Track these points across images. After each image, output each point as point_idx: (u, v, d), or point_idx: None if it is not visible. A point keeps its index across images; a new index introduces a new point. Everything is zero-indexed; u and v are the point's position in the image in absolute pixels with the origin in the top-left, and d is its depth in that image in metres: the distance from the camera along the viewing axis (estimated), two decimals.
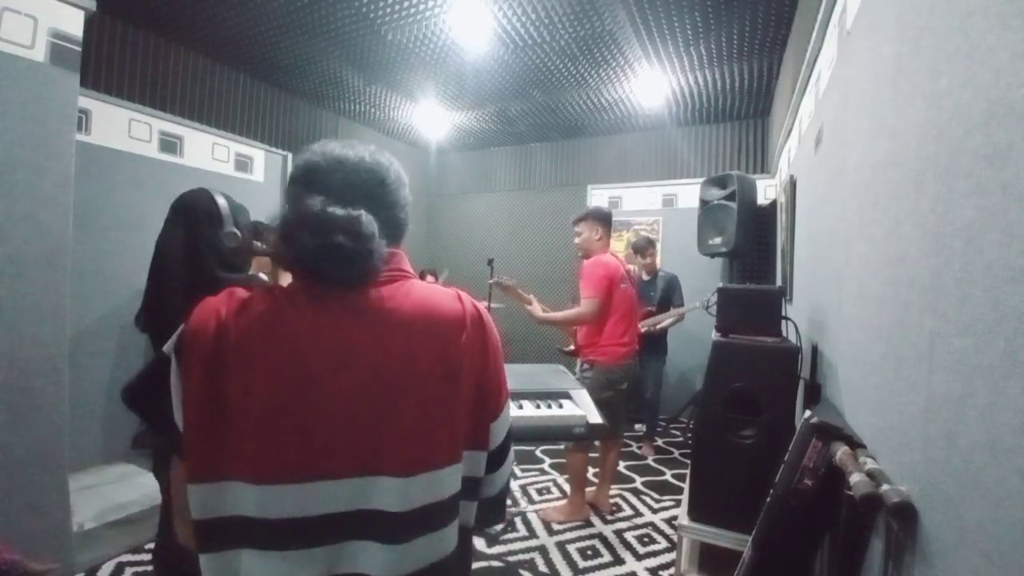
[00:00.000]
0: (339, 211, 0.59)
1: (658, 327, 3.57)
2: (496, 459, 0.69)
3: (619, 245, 4.47)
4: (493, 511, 0.72)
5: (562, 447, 3.67)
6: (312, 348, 0.57)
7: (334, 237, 0.57)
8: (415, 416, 0.59)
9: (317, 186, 0.64)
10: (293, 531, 0.54)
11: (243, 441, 0.54)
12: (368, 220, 0.61)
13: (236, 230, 1.31)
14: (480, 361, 0.66)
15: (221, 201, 1.31)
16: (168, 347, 0.58)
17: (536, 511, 2.58)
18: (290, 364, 0.56)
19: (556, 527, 2.52)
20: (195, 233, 1.26)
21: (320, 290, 0.59)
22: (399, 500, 0.57)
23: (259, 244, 1.59)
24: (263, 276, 2.05)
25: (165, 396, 0.57)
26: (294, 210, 0.61)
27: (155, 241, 1.28)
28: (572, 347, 2.85)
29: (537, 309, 2.53)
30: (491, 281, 2.49)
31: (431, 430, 0.60)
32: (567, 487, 3.02)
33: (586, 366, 2.48)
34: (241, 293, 0.59)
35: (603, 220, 2.60)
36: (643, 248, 3.76)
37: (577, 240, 2.64)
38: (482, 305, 0.71)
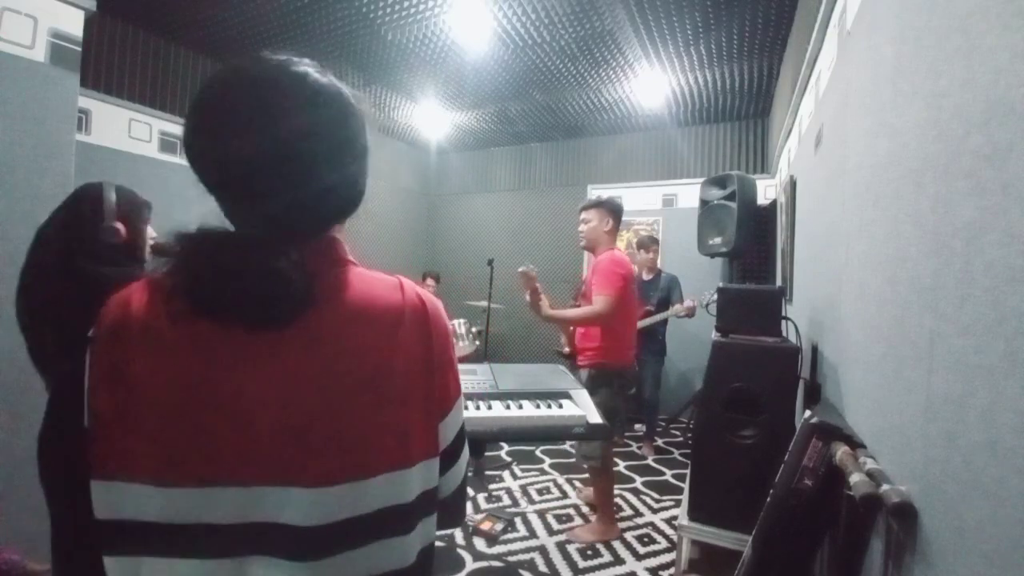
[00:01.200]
0: (254, 242, 0.51)
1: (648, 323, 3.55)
2: (446, 460, 0.62)
3: (619, 245, 4.47)
4: (448, 514, 0.65)
5: (562, 447, 3.68)
6: (230, 354, 0.51)
7: (243, 280, 0.49)
8: (335, 423, 0.53)
9: (220, 158, 0.51)
10: (194, 539, 0.49)
11: (144, 439, 0.49)
12: (297, 261, 0.51)
13: (118, 225, 1.27)
14: (421, 357, 0.58)
15: (108, 194, 1.29)
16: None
17: (562, 531, 2.47)
18: (198, 363, 0.51)
19: (556, 527, 2.52)
20: (72, 223, 1.24)
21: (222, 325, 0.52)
22: (309, 513, 0.51)
23: (170, 245, 1.54)
24: None
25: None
26: (188, 233, 0.51)
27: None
28: (568, 349, 2.74)
29: (545, 305, 2.36)
30: (521, 269, 2.30)
31: (354, 437, 0.53)
32: (567, 487, 3.02)
33: (594, 371, 2.35)
34: (159, 283, 0.52)
35: (615, 212, 2.45)
36: (647, 244, 3.77)
37: (582, 228, 2.45)
38: (427, 294, 0.62)
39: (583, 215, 2.48)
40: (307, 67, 0.53)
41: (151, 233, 1.42)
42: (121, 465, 0.49)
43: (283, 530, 0.50)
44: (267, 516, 0.50)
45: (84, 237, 1.24)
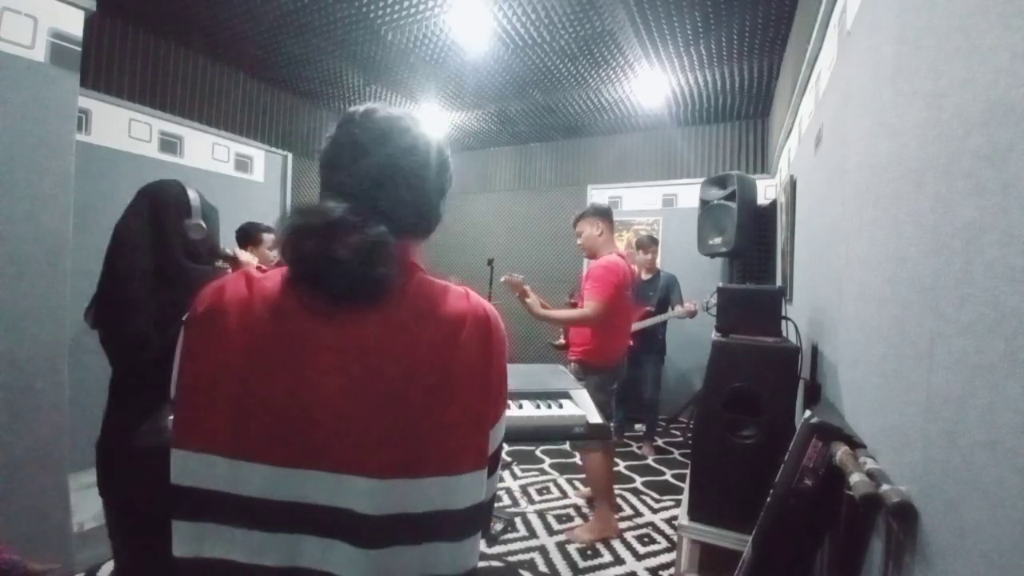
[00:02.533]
0: (351, 219, 0.57)
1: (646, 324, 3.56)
2: (491, 466, 0.63)
3: (619, 245, 4.47)
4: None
5: (562, 447, 3.68)
6: (307, 341, 0.57)
7: (337, 251, 0.55)
8: (401, 420, 0.56)
9: (341, 173, 0.63)
10: (259, 512, 0.53)
11: (220, 414, 0.55)
12: (383, 239, 0.57)
13: (203, 223, 1.29)
14: (480, 363, 0.60)
15: (192, 193, 1.31)
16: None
17: (562, 531, 2.48)
18: (282, 352, 0.56)
19: (556, 527, 2.52)
20: (163, 220, 1.23)
21: (319, 302, 0.57)
22: (367, 502, 0.54)
23: (225, 249, 1.55)
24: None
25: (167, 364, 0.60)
26: (303, 211, 0.60)
27: (114, 226, 1.22)
28: (563, 341, 2.80)
29: (536, 304, 2.43)
30: (504, 279, 2.40)
31: (411, 433, 0.56)
32: (567, 487, 3.02)
33: (578, 367, 2.43)
34: (254, 275, 0.60)
35: (602, 215, 2.52)
36: (646, 245, 3.76)
37: (579, 241, 2.54)
38: (491, 306, 0.66)
39: (576, 230, 2.57)
40: (409, 123, 0.67)
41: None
42: (198, 437, 0.55)
43: (342, 514, 0.54)
44: (331, 500, 0.54)
45: (179, 234, 1.25)
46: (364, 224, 0.57)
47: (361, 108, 0.68)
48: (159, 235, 1.22)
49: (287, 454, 0.54)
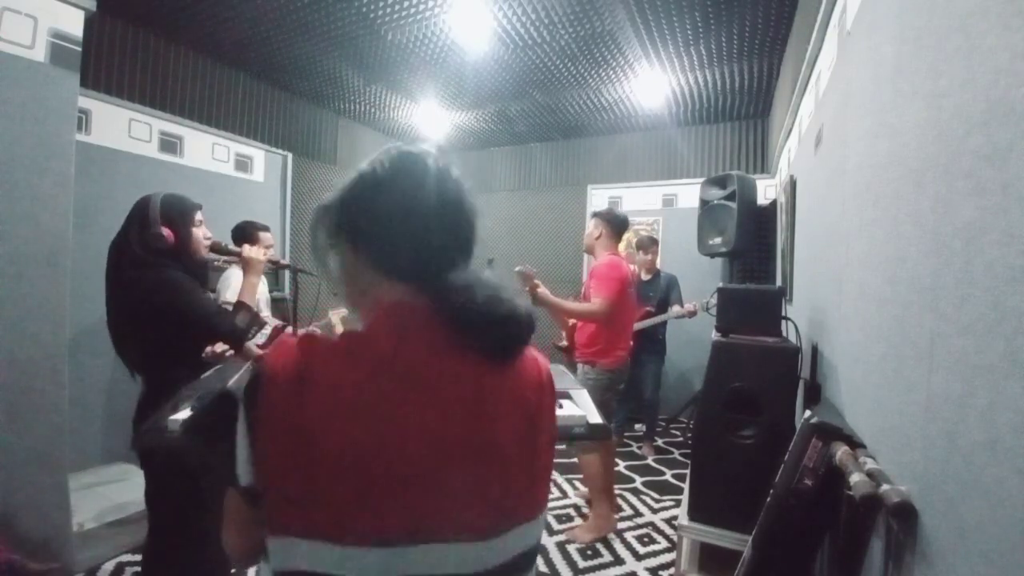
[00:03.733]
0: (499, 289, 0.60)
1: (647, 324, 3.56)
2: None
3: (619, 246, 4.47)
4: None
5: (562, 447, 3.67)
6: (418, 403, 0.54)
7: (510, 329, 0.59)
8: (507, 475, 0.57)
9: (424, 238, 0.61)
10: None
11: (324, 498, 0.50)
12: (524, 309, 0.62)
13: (163, 231, 1.41)
14: (551, 420, 0.64)
15: (154, 202, 1.44)
16: (237, 390, 0.54)
17: (562, 531, 2.48)
18: (382, 421, 0.52)
19: (556, 527, 2.52)
20: (123, 235, 1.41)
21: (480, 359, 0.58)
22: (474, 563, 0.55)
23: (226, 245, 1.69)
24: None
25: (228, 438, 0.53)
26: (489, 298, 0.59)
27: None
28: (565, 343, 2.84)
29: (545, 291, 2.49)
30: (517, 269, 2.48)
31: (518, 490, 0.58)
32: (567, 487, 3.02)
33: (587, 367, 2.47)
34: (328, 340, 0.55)
35: (610, 222, 2.60)
36: (646, 245, 3.77)
37: (584, 235, 2.71)
38: (546, 362, 0.68)
39: (588, 223, 2.74)
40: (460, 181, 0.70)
41: (206, 233, 1.55)
42: (299, 528, 0.50)
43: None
44: (433, 569, 0.53)
45: (130, 245, 1.39)
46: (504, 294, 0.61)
47: (433, 154, 0.68)
48: (117, 251, 1.41)
49: (402, 533, 0.52)
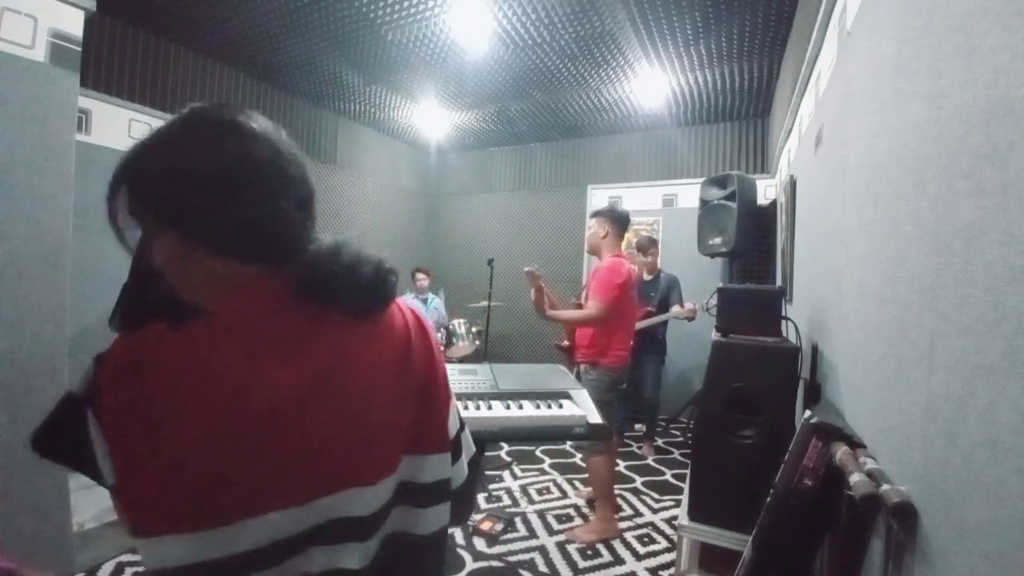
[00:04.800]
0: (360, 254, 0.59)
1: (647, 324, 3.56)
2: (453, 452, 0.69)
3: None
4: (459, 506, 0.71)
5: (562, 447, 3.68)
6: (271, 383, 0.52)
7: (363, 276, 0.57)
8: (389, 421, 0.60)
9: (284, 191, 0.57)
10: (270, 555, 0.51)
11: (189, 492, 0.48)
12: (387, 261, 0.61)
13: None
14: (426, 363, 0.65)
15: None
16: (79, 390, 0.50)
17: (562, 531, 2.49)
18: (239, 407, 0.51)
19: (556, 527, 2.52)
20: None
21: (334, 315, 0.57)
22: (369, 504, 0.57)
23: None
24: None
25: (83, 441, 0.49)
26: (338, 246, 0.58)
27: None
28: (567, 343, 2.86)
29: (547, 305, 2.55)
30: (527, 269, 2.51)
31: (400, 433, 0.61)
32: (567, 487, 3.02)
33: (588, 367, 2.48)
34: (164, 329, 0.51)
35: (614, 219, 2.60)
36: (646, 247, 3.76)
37: (587, 235, 2.70)
38: (412, 307, 0.69)
39: (589, 223, 2.72)
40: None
41: None
42: (165, 517, 0.47)
43: (347, 522, 0.55)
44: (332, 515, 0.54)
45: None
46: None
47: (255, 118, 0.59)
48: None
49: (306, 489, 0.53)
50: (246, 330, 0.53)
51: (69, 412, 0.50)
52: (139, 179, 0.54)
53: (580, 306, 2.73)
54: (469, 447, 0.74)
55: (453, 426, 0.69)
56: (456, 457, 0.69)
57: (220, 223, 0.53)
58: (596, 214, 2.65)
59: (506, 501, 2.82)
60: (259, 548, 0.50)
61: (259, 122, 0.58)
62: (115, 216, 0.55)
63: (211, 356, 0.50)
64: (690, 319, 3.54)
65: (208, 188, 0.53)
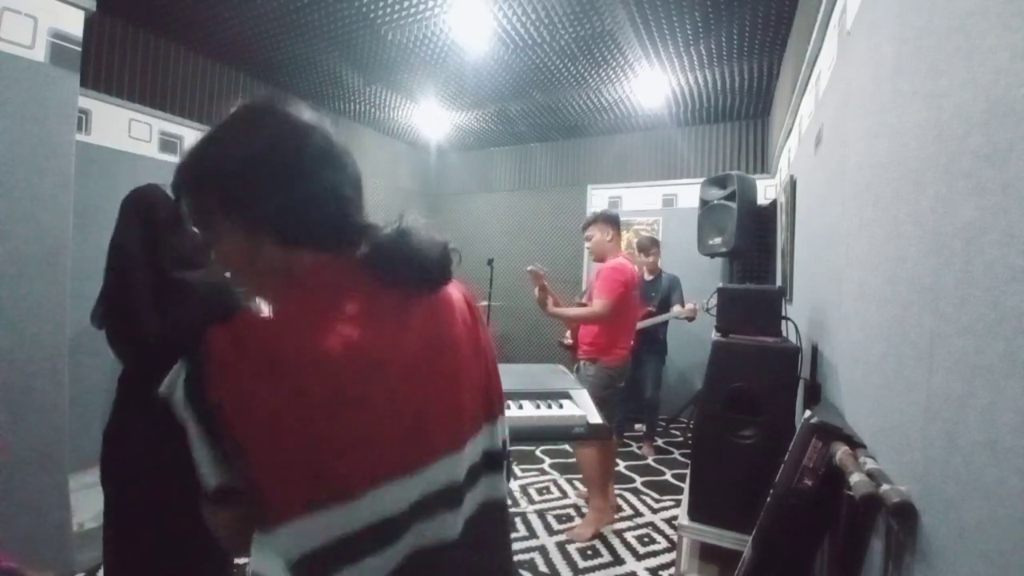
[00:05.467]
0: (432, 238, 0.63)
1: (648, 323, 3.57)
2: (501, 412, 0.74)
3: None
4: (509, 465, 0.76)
5: (562, 447, 3.68)
6: (392, 351, 0.56)
7: (432, 256, 0.62)
8: (468, 390, 0.63)
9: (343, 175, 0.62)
10: (377, 537, 0.51)
11: (331, 461, 0.50)
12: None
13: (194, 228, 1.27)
14: (487, 333, 0.70)
15: (170, 197, 1.28)
16: (166, 394, 0.50)
17: (562, 531, 2.49)
18: (365, 370, 0.53)
19: (556, 527, 2.52)
20: (154, 235, 1.23)
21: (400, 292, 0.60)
22: (461, 470, 0.60)
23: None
24: None
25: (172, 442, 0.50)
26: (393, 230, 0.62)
27: (111, 239, 1.23)
28: (570, 341, 2.87)
29: (552, 302, 2.58)
30: (529, 268, 2.52)
31: (480, 394, 0.66)
32: (567, 487, 3.02)
33: (588, 364, 2.50)
34: (253, 316, 0.54)
35: (612, 221, 2.64)
36: (647, 247, 3.77)
37: (588, 245, 2.67)
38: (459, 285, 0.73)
39: (585, 234, 2.69)
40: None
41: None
42: (304, 497, 0.48)
43: (442, 493, 0.57)
44: (430, 488, 0.55)
45: (173, 247, 1.23)
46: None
47: (303, 108, 0.62)
48: (149, 250, 1.22)
49: (413, 458, 0.54)
50: (336, 303, 0.55)
51: (153, 419, 0.53)
52: (202, 179, 0.59)
53: (583, 306, 2.74)
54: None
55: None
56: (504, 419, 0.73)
57: (286, 208, 0.55)
58: (593, 221, 2.64)
59: None
60: (378, 523, 0.51)
61: (307, 112, 0.61)
62: (190, 218, 0.61)
63: (313, 327, 0.52)
64: (690, 319, 3.54)
65: (272, 175, 0.55)
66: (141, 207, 1.26)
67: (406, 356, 0.56)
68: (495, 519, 0.66)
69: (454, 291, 0.68)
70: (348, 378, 0.51)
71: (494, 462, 0.67)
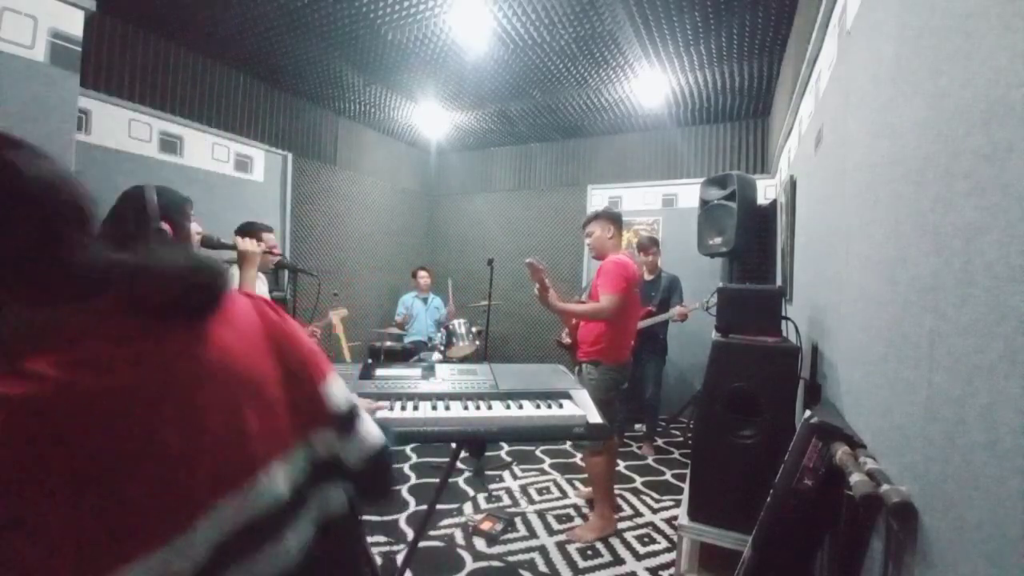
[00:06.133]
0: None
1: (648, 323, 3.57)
2: (346, 425, 0.67)
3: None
4: (371, 482, 0.70)
5: (562, 447, 3.68)
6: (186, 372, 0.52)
7: (186, 279, 0.55)
8: (244, 419, 0.56)
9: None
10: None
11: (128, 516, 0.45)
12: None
13: (164, 226, 1.28)
14: (286, 343, 0.63)
15: (150, 196, 1.29)
16: None
17: (562, 531, 2.49)
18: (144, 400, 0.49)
19: (556, 527, 2.52)
20: (117, 228, 1.25)
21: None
22: (264, 501, 0.55)
23: (218, 238, 1.60)
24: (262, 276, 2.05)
25: None
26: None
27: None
28: (569, 340, 2.84)
29: (554, 297, 2.52)
30: (527, 261, 2.46)
31: (261, 427, 0.58)
32: (567, 487, 3.02)
33: (591, 366, 2.47)
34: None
35: (613, 219, 2.61)
36: (647, 247, 3.77)
37: (589, 241, 2.62)
38: (256, 293, 0.69)
39: (586, 230, 2.65)
40: None
41: (196, 228, 1.44)
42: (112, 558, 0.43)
43: (256, 526, 0.53)
44: (230, 527, 0.51)
45: (127, 242, 1.24)
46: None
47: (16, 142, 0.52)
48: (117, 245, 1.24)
49: (179, 517, 0.48)
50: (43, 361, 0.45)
51: None
52: None
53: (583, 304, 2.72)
54: (368, 432, 0.70)
55: (339, 402, 0.66)
56: (345, 433, 0.66)
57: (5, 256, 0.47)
58: (594, 217, 2.62)
59: (506, 501, 2.82)
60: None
61: (24, 147, 0.51)
62: None
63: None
64: (682, 320, 3.57)
65: None
66: (113, 208, 1.31)
67: (144, 402, 0.48)
68: (339, 535, 0.62)
69: (240, 304, 0.61)
70: (62, 455, 0.42)
71: (326, 474, 0.62)
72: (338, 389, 0.67)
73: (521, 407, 1.47)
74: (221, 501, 0.50)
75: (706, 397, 1.83)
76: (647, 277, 3.78)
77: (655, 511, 2.76)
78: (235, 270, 2.52)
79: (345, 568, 0.66)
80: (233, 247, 1.61)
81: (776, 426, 1.63)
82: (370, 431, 0.71)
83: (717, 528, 1.77)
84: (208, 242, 1.56)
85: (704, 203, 3.44)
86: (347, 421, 0.67)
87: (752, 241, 3.26)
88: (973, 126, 0.64)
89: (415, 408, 1.41)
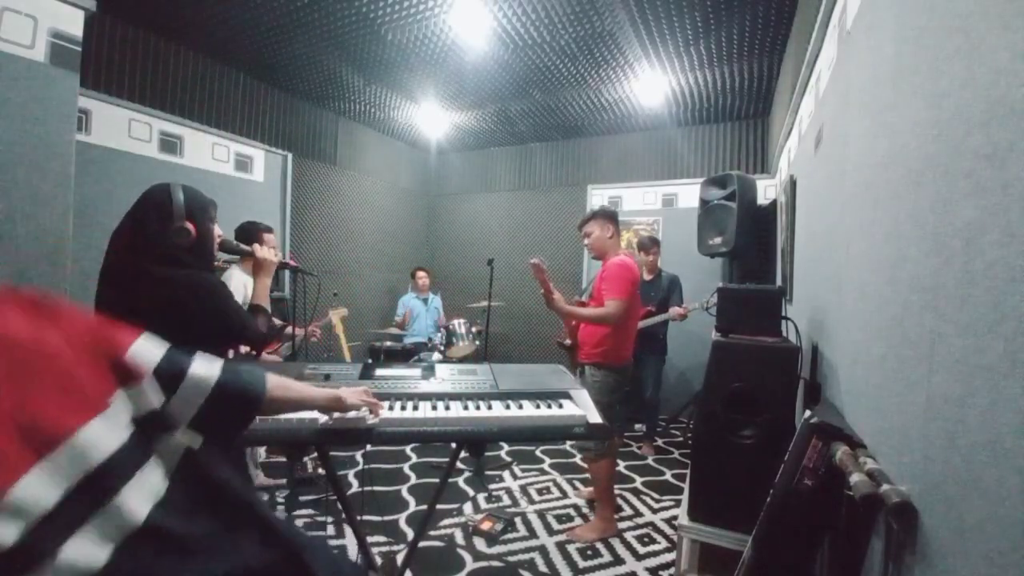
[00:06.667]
0: None
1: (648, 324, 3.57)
2: (167, 376, 0.71)
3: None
4: (216, 418, 0.74)
5: (562, 447, 3.68)
6: None
7: None
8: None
9: None
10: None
11: None
12: None
13: (188, 225, 1.27)
14: (31, 335, 0.63)
15: (176, 195, 1.28)
16: None
17: (562, 531, 2.49)
18: None
19: (556, 527, 2.52)
20: (139, 226, 1.25)
21: None
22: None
23: (236, 243, 1.61)
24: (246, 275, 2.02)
25: None
26: None
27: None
28: (569, 342, 2.83)
29: (560, 300, 2.47)
30: (532, 261, 2.41)
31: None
32: (567, 487, 3.02)
33: (593, 368, 2.44)
34: None
35: (611, 217, 2.57)
36: (647, 246, 3.77)
37: (587, 241, 2.59)
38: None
39: (584, 230, 2.61)
40: None
41: (217, 231, 1.43)
42: None
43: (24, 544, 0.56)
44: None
45: (150, 240, 1.24)
46: None
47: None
48: (133, 243, 1.24)
49: None
50: None
51: None
52: None
53: (584, 305, 2.70)
54: (198, 375, 0.75)
55: (148, 359, 0.70)
56: (170, 382, 0.71)
57: None
58: (591, 217, 2.58)
59: (506, 501, 2.82)
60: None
61: None
62: None
63: None
64: (681, 319, 3.57)
65: None
66: (135, 203, 1.29)
67: None
68: (197, 469, 0.67)
69: None
70: None
71: (160, 423, 0.66)
72: (144, 350, 0.71)
73: (521, 407, 1.47)
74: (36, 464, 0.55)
75: (706, 397, 1.82)
76: (647, 277, 3.78)
77: (655, 511, 2.76)
78: (235, 270, 2.53)
79: (222, 487, 0.71)
80: (251, 253, 1.58)
81: (776, 426, 1.63)
82: (201, 375, 0.75)
83: (717, 528, 1.77)
84: (226, 246, 1.54)
85: (704, 203, 3.44)
86: (167, 372, 0.71)
87: (752, 241, 3.26)
88: (973, 126, 0.64)
89: (415, 408, 1.41)
